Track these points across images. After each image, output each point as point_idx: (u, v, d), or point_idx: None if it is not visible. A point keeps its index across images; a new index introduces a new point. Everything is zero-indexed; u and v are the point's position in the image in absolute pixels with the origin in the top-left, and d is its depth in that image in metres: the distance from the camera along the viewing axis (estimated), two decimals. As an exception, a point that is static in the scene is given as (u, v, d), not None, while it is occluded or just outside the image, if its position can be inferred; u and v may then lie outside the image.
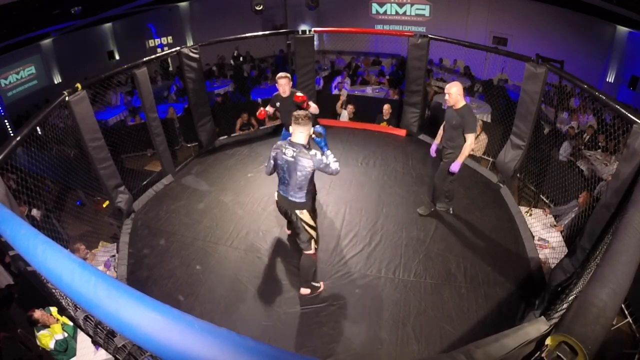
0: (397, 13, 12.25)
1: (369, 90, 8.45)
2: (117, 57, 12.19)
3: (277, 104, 3.87)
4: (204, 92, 5.51)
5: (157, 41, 12.28)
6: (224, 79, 10.62)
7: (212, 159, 5.46)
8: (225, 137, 6.14)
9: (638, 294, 2.97)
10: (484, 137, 5.84)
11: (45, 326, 3.15)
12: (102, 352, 2.92)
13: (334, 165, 2.73)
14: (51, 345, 3.06)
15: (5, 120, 9.08)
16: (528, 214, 4.28)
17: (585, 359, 1.03)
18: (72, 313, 2.48)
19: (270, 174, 2.96)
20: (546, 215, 4.36)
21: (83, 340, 3.10)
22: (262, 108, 3.95)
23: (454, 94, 3.45)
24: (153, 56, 4.93)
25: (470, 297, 3.21)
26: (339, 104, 6.71)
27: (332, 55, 11.67)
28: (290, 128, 2.74)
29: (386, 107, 6.26)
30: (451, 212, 4.16)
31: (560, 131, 6.58)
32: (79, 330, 3.05)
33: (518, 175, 4.91)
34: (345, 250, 3.69)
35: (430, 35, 5.29)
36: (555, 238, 3.96)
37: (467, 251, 3.67)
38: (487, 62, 9.55)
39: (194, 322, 0.94)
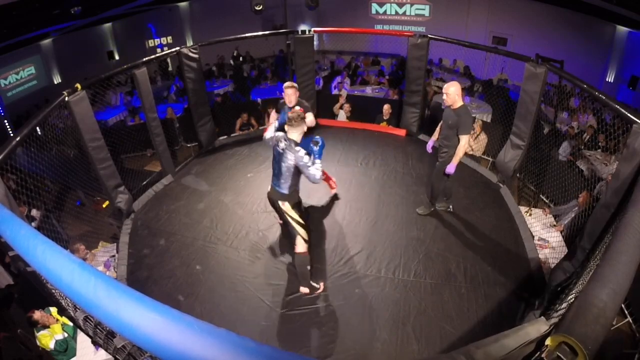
0: (396, 13, 12.25)
1: (368, 90, 8.45)
2: (117, 57, 12.19)
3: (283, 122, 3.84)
4: (204, 92, 5.51)
5: (157, 41, 12.29)
6: (224, 79, 10.61)
7: (212, 159, 5.45)
8: (225, 137, 6.14)
9: (638, 294, 2.97)
10: (483, 137, 5.84)
11: (45, 326, 3.15)
12: (102, 352, 2.92)
13: (313, 171, 2.84)
14: (51, 345, 3.06)
15: (5, 121, 9.07)
16: (528, 214, 4.28)
17: (585, 359, 1.03)
18: (72, 313, 2.48)
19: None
20: (546, 215, 4.36)
21: (83, 341, 3.11)
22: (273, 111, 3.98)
23: (452, 94, 3.46)
24: (153, 56, 4.93)
25: (470, 297, 3.21)
26: (337, 106, 6.71)
27: (331, 55, 11.67)
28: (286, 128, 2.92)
29: (386, 107, 6.26)
30: (451, 209, 4.17)
31: (560, 131, 6.59)
32: (79, 330, 3.05)
33: (518, 175, 4.91)
34: (345, 250, 3.69)
35: (430, 35, 5.29)
36: (555, 238, 3.96)
37: (467, 251, 3.67)
38: (487, 62, 9.55)
39: (194, 322, 0.94)
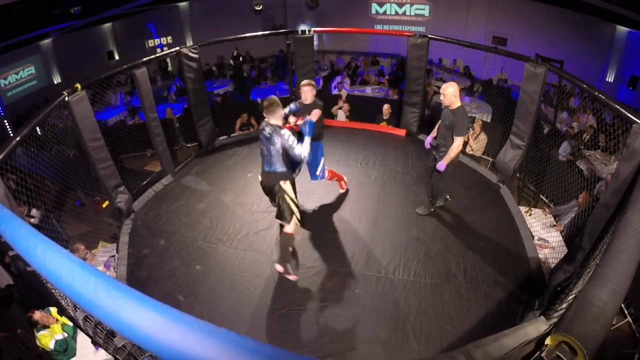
0: (396, 13, 12.24)
1: (368, 90, 8.45)
2: (117, 57, 12.19)
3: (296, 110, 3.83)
4: (204, 92, 5.51)
5: (157, 41, 12.28)
6: (224, 79, 10.61)
7: (212, 159, 5.46)
8: (225, 137, 6.14)
9: (638, 294, 2.98)
10: (484, 137, 5.84)
11: (45, 326, 3.15)
12: (102, 352, 2.92)
13: (299, 151, 3.06)
14: (51, 345, 3.06)
15: (5, 120, 9.07)
16: (528, 214, 4.28)
17: (585, 359, 1.03)
18: (72, 313, 2.48)
19: None
20: (546, 215, 4.36)
21: (83, 341, 3.11)
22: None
23: (449, 94, 3.46)
24: (153, 56, 4.93)
25: (470, 297, 3.21)
26: (335, 108, 6.71)
27: (331, 55, 11.67)
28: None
29: (386, 107, 6.26)
30: (449, 198, 4.21)
31: (559, 131, 6.58)
32: (79, 330, 3.05)
33: (518, 175, 4.91)
34: (345, 250, 3.69)
35: (430, 35, 5.29)
36: (555, 238, 3.96)
37: (467, 251, 3.67)
38: (487, 62, 9.55)
39: (194, 322, 0.94)
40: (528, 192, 5.13)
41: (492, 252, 3.67)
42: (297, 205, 3.25)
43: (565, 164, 5.30)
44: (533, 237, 3.91)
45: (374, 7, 12.35)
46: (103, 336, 2.19)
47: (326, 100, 6.86)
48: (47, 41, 10.60)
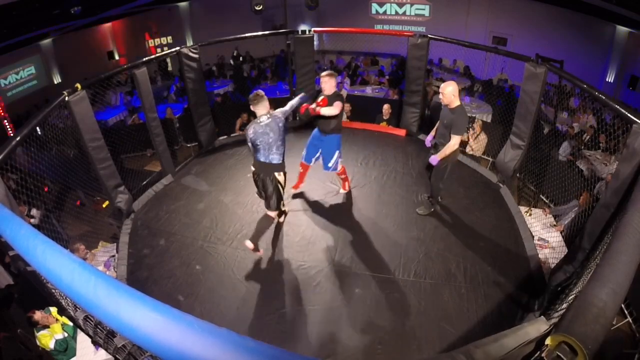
0: (396, 13, 12.25)
1: (368, 90, 8.45)
2: (117, 57, 12.19)
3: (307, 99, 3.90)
4: (204, 92, 5.51)
5: (157, 41, 12.28)
6: (224, 79, 10.62)
7: (212, 159, 5.45)
8: (225, 137, 6.13)
9: (638, 294, 2.98)
10: (484, 137, 5.84)
11: (45, 326, 3.15)
12: (102, 352, 2.92)
13: (289, 105, 3.44)
14: (51, 345, 3.06)
15: (5, 121, 9.06)
16: (528, 214, 4.28)
17: (585, 359, 1.03)
18: (72, 313, 2.48)
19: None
20: (546, 215, 4.36)
21: (83, 340, 3.11)
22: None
23: (448, 93, 3.46)
24: (153, 56, 4.93)
25: (470, 297, 3.21)
26: None
27: (331, 55, 11.66)
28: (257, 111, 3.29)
29: (386, 107, 6.26)
30: (440, 200, 4.22)
31: (560, 131, 6.59)
32: (79, 330, 3.05)
33: (518, 175, 4.91)
34: (345, 250, 3.69)
35: (430, 35, 5.29)
36: (555, 238, 3.96)
37: (467, 251, 3.67)
38: (487, 62, 9.55)
39: (194, 322, 0.94)
40: (528, 192, 5.13)
41: (492, 252, 3.67)
42: (284, 192, 3.54)
43: (565, 164, 5.31)
44: (533, 237, 3.91)
45: (374, 7, 12.35)
46: (103, 336, 2.19)
47: (326, 100, 6.91)
48: (47, 41, 10.60)
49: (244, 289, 3.34)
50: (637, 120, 2.54)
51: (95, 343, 2.60)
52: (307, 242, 3.80)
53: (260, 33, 6.56)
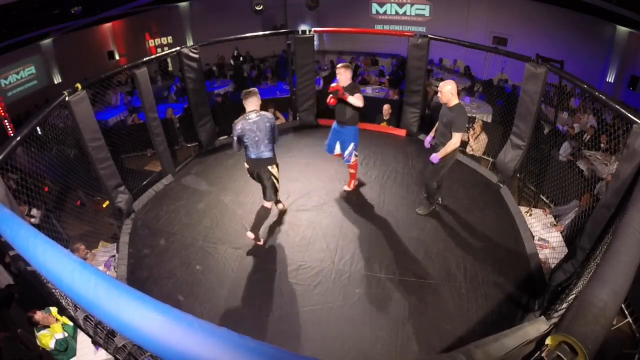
0: (397, 13, 12.24)
1: (369, 91, 8.44)
2: (117, 57, 12.19)
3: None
4: (204, 92, 5.51)
5: (157, 41, 12.28)
6: (224, 79, 10.61)
7: (212, 159, 5.46)
8: (225, 137, 6.13)
9: (638, 294, 2.98)
10: (484, 137, 5.84)
11: (45, 326, 3.15)
12: (102, 352, 2.92)
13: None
14: (51, 345, 3.06)
15: (5, 120, 9.06)
16: (528, 214, 4.28)
17: (585, 359, 1.03)
18: (72, 313, 2.48)
19: (239, 150, 3.54)
20: (546, 215, 4.36)
21: (83, 340, 3.11)
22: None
23: (446, 92, 3.47)
24: (153, 56, 4.93)
25: (470, 297, 3.21)
26: None
27: (332, 55, 11.66)
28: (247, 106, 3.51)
29: (386, 107, 6.26)
30: (440, 202, 4.24)
31: (560, 131, 6.58)
32: (79, 330, 3.05)
33: (518, 175, 4.91)
34: (345, 250, 3.69)
35: (430, 35, 5.29)
36: (555, 238, 3.96)
37: (467, 251, 3.67)
38: (487, 62, 9.54)
39: (194, 322, 0.94)
40: (528, 192, 5.13)
41: (492, 252, 3.67)
42: (278, 183, 3.65)
43: (565, 164, 5.31)
44: (533, 237, 3.91)
45: (374, 7, 12.34)
46: (103, 336, 2.19)
47: (326, 100, 6.90)
48: (47, 41, 10.60)
49: (244, 289, 3.34)
50: (637, 121, 2.54)
51: (96, 343, 2.60)
52: (307, 242, 3.80)
53: (260, 33, 6.56)
